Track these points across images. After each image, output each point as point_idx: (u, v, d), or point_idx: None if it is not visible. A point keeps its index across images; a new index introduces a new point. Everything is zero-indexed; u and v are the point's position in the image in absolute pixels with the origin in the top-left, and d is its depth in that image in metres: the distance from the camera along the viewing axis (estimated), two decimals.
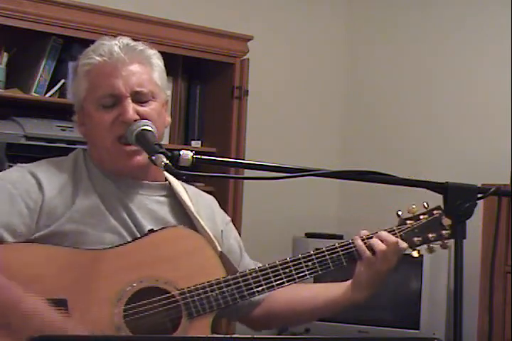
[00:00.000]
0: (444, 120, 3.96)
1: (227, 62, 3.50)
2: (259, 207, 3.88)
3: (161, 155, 1.60)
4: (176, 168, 1.58)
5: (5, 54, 3.06)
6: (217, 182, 3.41)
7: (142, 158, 1.85)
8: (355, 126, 4.29)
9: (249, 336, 1.30)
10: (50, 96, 3.11)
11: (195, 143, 3.53)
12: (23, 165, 1.93)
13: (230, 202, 3.42)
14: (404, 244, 1.94)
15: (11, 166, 2.88)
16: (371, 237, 1.94)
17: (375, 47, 4.26)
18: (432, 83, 4.02)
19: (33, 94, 3.09)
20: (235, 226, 2.14)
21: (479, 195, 1.52)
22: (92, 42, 1.97)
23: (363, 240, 1.94)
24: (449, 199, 1.50)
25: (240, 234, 2.15)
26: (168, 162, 1.58)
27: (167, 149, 1.63)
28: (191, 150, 1.59)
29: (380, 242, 1.91)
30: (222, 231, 2.05)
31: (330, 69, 4.31)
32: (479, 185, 1.55)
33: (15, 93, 3.06)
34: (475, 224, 2.53)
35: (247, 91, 3.50)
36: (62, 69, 3.13)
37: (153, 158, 1.63)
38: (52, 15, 3.02)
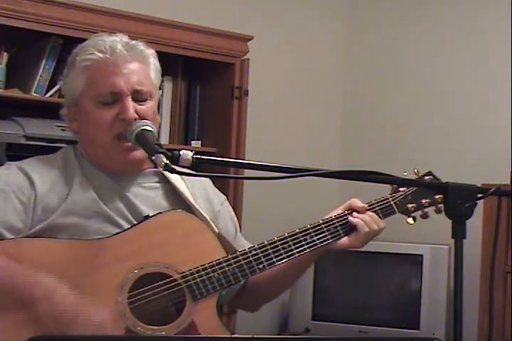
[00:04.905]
0: (443, 120, 3.96)
1: (227, 62, 3.50)
2: (259, 207, 3.88)
3: (161, 155, 1.61)
4: None
5: (5, 54, 3.05)
6: (217, 182, 3.40)
7: (139, 152, 1.86)
8: (355, 126, 4.29)
9: (249, 336, 1.30)
10: (50, 96, 3.11)
11: (195, 143, 3.53)
12: (12, 162, 1.93)
13: (230, 202, 3.41)
14: (382, 224, 1.97)
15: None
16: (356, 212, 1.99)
17: (375, 47, 4.26)
18: (432, 83, 4.02)
19: (33, 94, 3.08)
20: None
21: (479, 195, 1.52)
22: None
23: (347, 214, 1.99)
24: (449, 199, 1.50)
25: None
26: (168, 162, 1.59)
27: (167, 149, 1.63)
28: (191, 150, 1.59)
29: (365, 225, 1.96)
30: (219, 211, 2.07)
31: (330, 69, 4.31)
32: (479, 185, 1.55)
33: (15, 93, 3.06)
34: (475, 224, 2.52)
35: (247, 91, 3.49)
36: (62, 70, 3.12)
37: (153, 158, 1.63)
38: (52, 15, 3.02)
